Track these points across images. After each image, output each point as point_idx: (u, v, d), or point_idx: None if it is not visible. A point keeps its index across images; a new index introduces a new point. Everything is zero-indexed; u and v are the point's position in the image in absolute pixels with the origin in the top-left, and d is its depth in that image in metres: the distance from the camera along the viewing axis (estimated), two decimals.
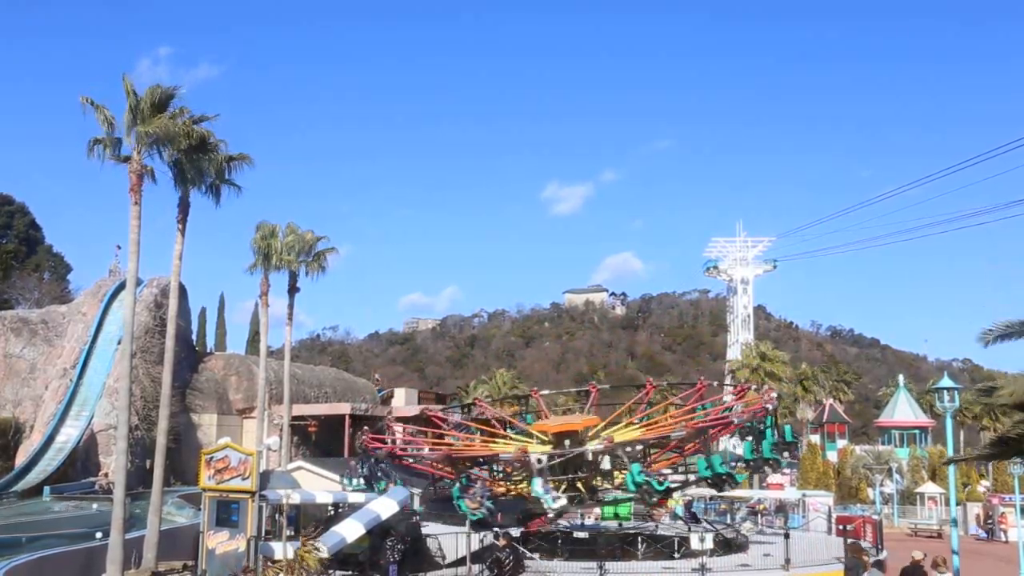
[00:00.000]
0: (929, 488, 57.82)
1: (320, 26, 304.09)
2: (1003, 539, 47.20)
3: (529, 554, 22.74)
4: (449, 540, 22.56)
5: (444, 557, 22.26)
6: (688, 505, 33.63)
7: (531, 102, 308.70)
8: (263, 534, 20.42)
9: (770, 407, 25.36)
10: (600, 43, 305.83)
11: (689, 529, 26.38)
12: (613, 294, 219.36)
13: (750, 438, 25.15)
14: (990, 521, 50.17)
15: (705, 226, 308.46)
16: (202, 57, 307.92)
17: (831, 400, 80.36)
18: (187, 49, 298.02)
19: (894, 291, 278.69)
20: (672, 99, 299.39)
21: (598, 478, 25.16)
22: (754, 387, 32.38)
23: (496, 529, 22.03)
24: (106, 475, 41.93)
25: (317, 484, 33.11)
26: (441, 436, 30.07)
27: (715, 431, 25.48)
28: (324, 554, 18.76)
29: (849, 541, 23.66)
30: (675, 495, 27.98)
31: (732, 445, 36.20)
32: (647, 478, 22.59)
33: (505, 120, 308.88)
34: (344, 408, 53.09)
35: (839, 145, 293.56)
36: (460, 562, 21.52)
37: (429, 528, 23.61)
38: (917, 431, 74.84)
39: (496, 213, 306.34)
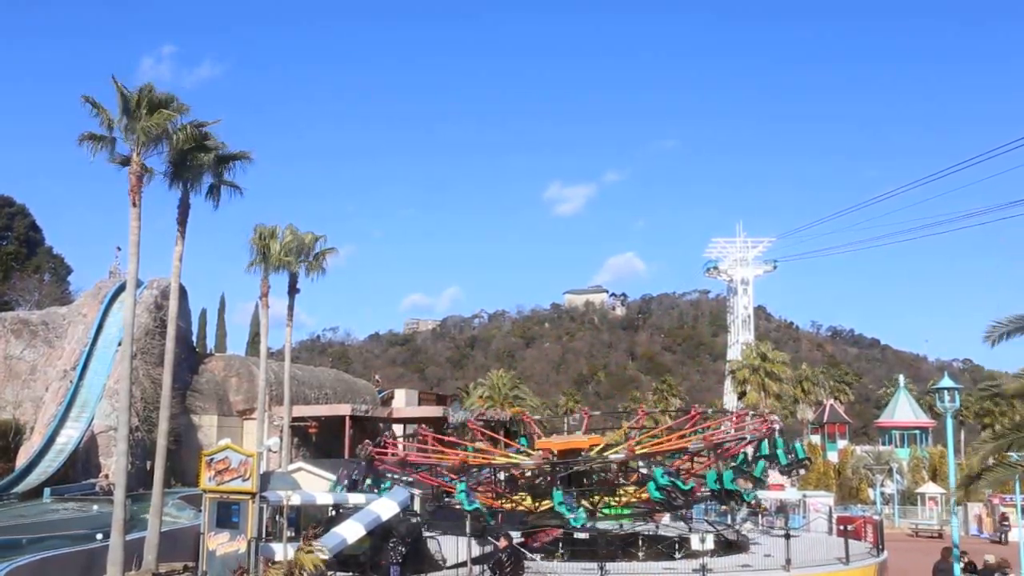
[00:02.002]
0: (930, 488, 57.80)
1: (322, 26, 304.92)
2: (1004, 539, 47.17)
3: (530, 555, 22.73)
4: (449, 542, 22.57)
5: (444, 559, 22.25)
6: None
7: (533, 102, 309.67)
8: (264, 535, 20.41)
9: (776, 427, 25.82)
10: (602, 43, 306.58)
11: (690, 529, 26.37)
12: (613, 295, 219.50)
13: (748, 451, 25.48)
14: (1006, 522, 49.48)
15: (706, 226, 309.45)
16: (204, 56, 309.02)
17: (831, 400, 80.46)
18: (189, 48, 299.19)
19: (894, 291, 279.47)
20: (673, 99, 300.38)
21: (600, 494, 25.39)
22: (752, 412, 32.81)
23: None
24: (106, 476, 41.88)
25: (317, 485, 33.05)
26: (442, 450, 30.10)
27: (731, 448, 25.72)
28: (325, 555, 18.76)
29: (943, 546, 23.39)
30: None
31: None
32: (672, 479, 22.80)
33: (507, 120, 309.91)
34: (344, 409, 52.98)
35: (840, 145, 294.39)
36: (462, 564, 21.52)
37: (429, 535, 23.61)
38: (917, 431, 74.87)
39: (499, 214, 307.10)
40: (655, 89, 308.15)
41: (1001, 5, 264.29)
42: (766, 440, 25.51)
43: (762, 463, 25.47)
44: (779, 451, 25.36)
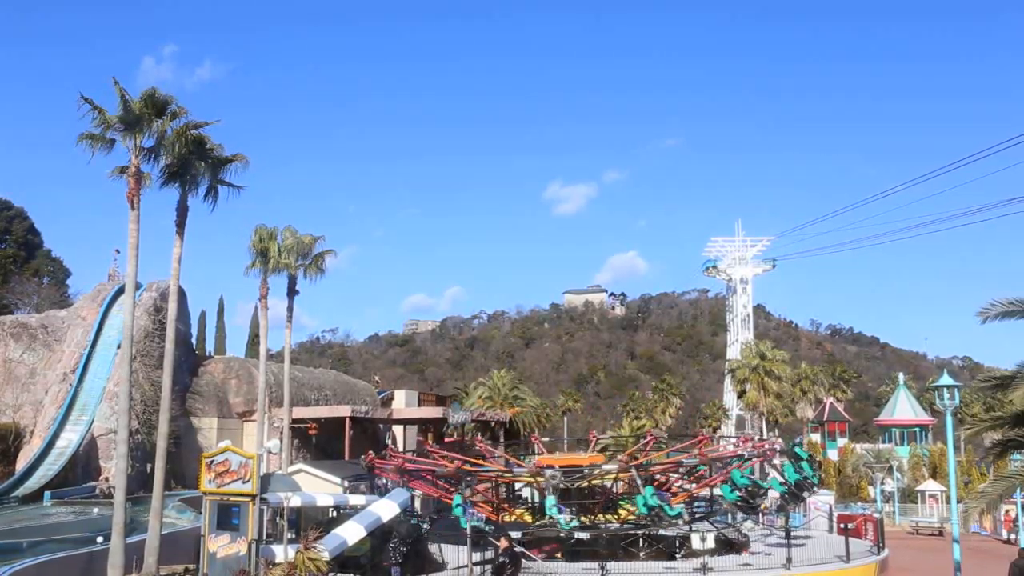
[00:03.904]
0: (930, 486, 57.73)
1: (325, 27, 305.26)
2: (1005, 537, 47.08)
3: (530, 555, 22.73)
4: (450, 547, 22.56)
5: (445, 561, 22.25)
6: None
7: (534, 102, 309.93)
8: (264, 537, 20.40)
9: (778, 447, 26.17)
10: (603, 43, 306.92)
11: (691, 529, 26.42)
12: (612, 294, 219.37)
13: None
14: (1017, 523, 48.99)
15: (705, 226, 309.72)
16: (206, 57, 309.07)
17: (831, 399, 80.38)
18: (191, 49, 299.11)
19: (893, 289, 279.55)
20: (674, 99, 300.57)
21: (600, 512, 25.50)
22: (756, 436, 33.32)
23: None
24: (106, 479, 41.86)
25: (317, 487, 33.10)
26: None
27: (730, 466, 25.95)
28: (325, 557, 18.76)
29: (1020, 548, 23.23)
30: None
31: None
32: (660, 502, 22.88)
33: (508, 120, 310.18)
34: (344, 411, 52.97)
35: (840, 144, 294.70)
36: (463, 567, 21.53)
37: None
38: (917, 429, 74.88)
39: (499, 214, 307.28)
40: (655, 89, 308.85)
41: (998, 5, 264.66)
42: (791, 463, 26.10)
43: (774, 480, 25.89)
44: (785, 475, 25.97)
